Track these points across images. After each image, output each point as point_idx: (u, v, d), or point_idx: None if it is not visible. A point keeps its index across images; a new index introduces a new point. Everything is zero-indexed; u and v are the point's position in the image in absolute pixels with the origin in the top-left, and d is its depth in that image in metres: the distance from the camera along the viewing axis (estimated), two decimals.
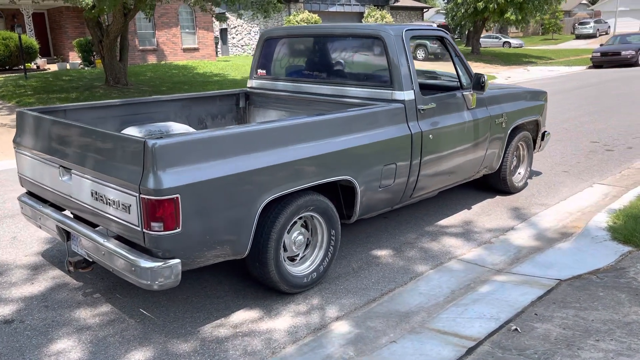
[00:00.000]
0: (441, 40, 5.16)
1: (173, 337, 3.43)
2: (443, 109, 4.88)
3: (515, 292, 3.80)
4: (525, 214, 5.54)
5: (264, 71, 5.73)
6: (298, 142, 3.73)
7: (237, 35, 32.25)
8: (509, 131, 5.77)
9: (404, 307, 3.75)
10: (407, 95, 4.52)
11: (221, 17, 17.51)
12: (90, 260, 3.71)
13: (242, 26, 31.77)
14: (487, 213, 5.59)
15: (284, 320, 3.61)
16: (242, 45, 32.14)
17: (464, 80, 5.18)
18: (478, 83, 5.01)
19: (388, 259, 4.53)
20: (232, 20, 31.63)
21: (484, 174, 5.75)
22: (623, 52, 24.57)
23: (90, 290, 4.07)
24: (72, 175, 3.61)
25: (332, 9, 30.56)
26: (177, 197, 3.07)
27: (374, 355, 3.18)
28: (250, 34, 31.57)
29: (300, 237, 3.94)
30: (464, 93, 5.14)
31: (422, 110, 4.63)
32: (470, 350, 3.09)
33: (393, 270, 4.31)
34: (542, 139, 6.58)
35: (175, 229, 3.11)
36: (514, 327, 3.28)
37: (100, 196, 3.36)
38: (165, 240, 3.11)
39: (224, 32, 32.72)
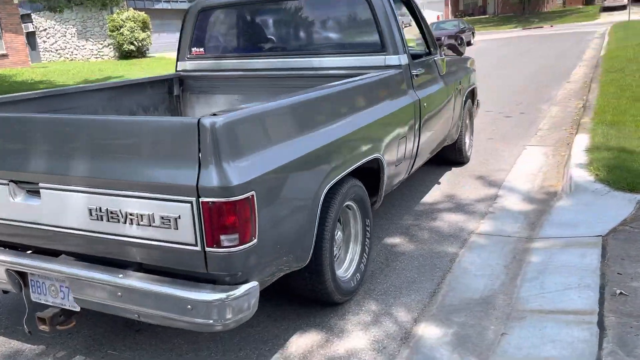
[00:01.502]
0: (407, 3, 4.72)
1: None
2: (427, 75, 4.47)
3: (572, 256, 3.53)
4: (495, 180, 5.39)
5: (202, 49, 4.75)
6: (345, 114, 3.02)
7: (49, 38, 28.58)
8: (463, 99, 5.58)
9: (475, 293, 3.25)
10: (402, 59, 4.00)
11: (55, 6, 15.15)
12: (76, 309, 2.58)
13: (54, 28, 28.23)
14: (459, 185, 5.33)
15: (358, 337, 2.88)
16: (57, 50, 28.59)
17: (432, 45, 4.82)
18: (457, 45, 4.69)
19: (408, 245, 3.99)
20: (42, 21, 28.01)
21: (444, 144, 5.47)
22: (443, 37, 26.83)
23: (64, 354, 2.88)
24: (42, 191, 2.45)
25: (158, 6, 28.64)
26: (252, 196, 2.19)
27: (498, 355, 2.63)
28: (65, 36, 28.17)
29: (339, 233, 3.22)
30: (435, 59, 4.78)
31: (416, 75, 4.16)
32: (601, 326, 2.70)
33: (424, 256, 3.79)
34: (477, 107, 6.56)
35: (252, 240, 2.22)
36: (618, 292, 2.97)
37: (111, 213, 2.30)
38: (240, 258, 2.20)
39: (31, 35, 28.82)
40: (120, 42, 25.86)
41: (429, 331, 2.89)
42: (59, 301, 2.64)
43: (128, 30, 25.59)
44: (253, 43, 4.62)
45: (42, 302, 2.69)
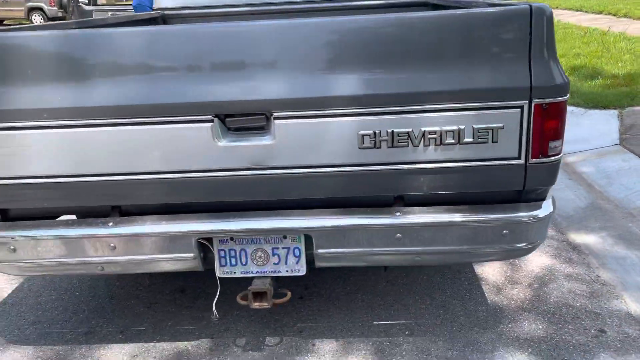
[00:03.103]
0: None
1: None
2: None
3: (615, 162, 3.93)
4: None
5: None
6: None
7: None
8: None
9: (575, 202, 3.43)
10: None
11: None
12: (300, 274, 2.06)
13: None
14: None
15: (534, 256, 2.82)
16: None
17: None
18: None
19: None
20: None
21: None
22: None
23: (247, 340, 2.27)
24: (277, 123, 1.84)
25: None
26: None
27: None
28: None
29: None
30: None
31: None
32: None
33: None
34: None
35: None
36: None
37: (398, 136, 1.84)
38: (558, 168, 1.99)
39: None
40: None
41: (588, 239, 2.97)
42: (270, 269, 2.07)
43: None
44: None
45: (238, 275, 2.07)
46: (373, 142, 1.85)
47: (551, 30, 1.84)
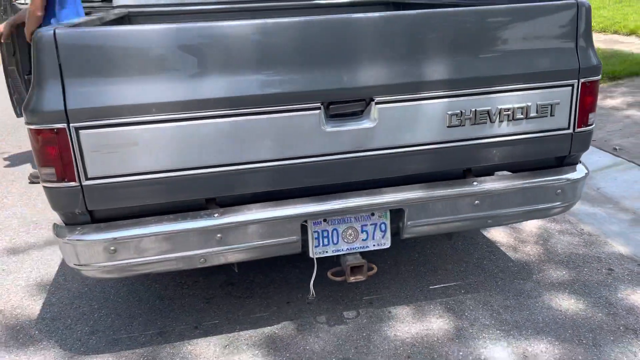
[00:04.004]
0: None
1: None
2: None
3: None
4: None
5: None
6: None
7: None
8: None
9: None
10: None
11: None
12: (385, 246, 2.26)
13: None
14: None
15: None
16: None
17: None
18: None
19: None
20: None
21: None
22: None
23: (328, 317, 2.39)
24: (379, 108, 2.01)
25: None
26: None
27: None
28: None
29: None
30: None
31: None
32: None
33: None
34: None
35: None
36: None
37: (480, 115, 2.11)
38: (592, 134, 2.39)
39: None
40: None
41: None
42: (359, 245, 2.24)
43: None
44: None
45: (329, 254, 2.21)
46: (459, 120, 2.10)
47: (590, 20, 2.22)
